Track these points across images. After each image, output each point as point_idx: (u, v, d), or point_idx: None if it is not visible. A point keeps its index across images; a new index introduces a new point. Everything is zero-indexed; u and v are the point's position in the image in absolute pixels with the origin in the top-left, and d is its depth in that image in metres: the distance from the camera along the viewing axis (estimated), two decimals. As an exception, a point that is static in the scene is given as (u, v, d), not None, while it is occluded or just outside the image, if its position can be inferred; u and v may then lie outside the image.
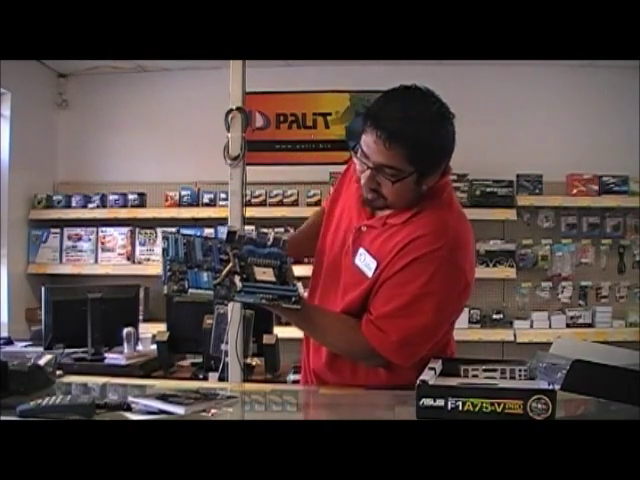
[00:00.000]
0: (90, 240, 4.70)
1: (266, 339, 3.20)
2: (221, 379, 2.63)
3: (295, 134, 4.71)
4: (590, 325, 4.35)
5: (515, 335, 4.29)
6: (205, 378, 3.05)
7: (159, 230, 4.63)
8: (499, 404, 1.25)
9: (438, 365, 1.53)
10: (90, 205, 4.68)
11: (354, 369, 1.72)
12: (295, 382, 2.98)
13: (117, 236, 4.69)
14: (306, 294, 1.72)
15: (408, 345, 1.59)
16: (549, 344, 1.48)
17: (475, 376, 1.56)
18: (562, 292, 4.44)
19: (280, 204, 4.50)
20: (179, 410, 1.37)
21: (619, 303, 4.43)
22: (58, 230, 4.71)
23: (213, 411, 1.41)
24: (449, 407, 1.27)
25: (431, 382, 1.35)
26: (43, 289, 3.31)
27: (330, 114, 4.62)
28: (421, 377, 1.35)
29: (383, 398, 1.66)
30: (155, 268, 4.52)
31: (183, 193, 4.63)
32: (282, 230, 4.06)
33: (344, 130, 4.55)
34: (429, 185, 1.62)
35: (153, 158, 4.81)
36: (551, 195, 4.38)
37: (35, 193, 4.71)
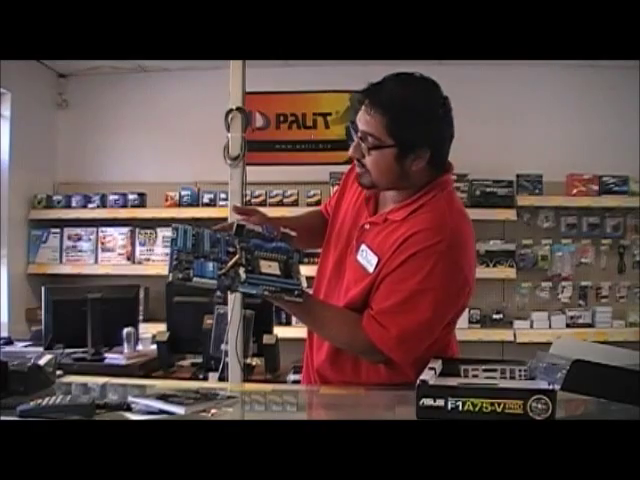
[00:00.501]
0: (90, 240, 4.70)
1: (266, 339, 3.20)
2: (221, 379, 2.63)
3: (295, 134, 4.70)
4: (590, 325, 4.34)
5: (515, 335, 4.29)
6: (205, 378, 3.05)
7: (159, 230, 4.63)
8: (499, 404, 1.25)
9: (438, 365, 1.53)
10: (90, 205, 4.68)
11: (356, 366, 1.72)
12: (295, 382, 2.99)
13: (117, 236, 4.69)
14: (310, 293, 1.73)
15: (407, 341, 1.60)
16: (549, 344, 1.48)
17: (475, 376, 1.56)
18: (562, 292, 4.44)
19: (280, 204, 4.50)
20: (179, 410, 1.37)
21: (619, 303, 4.43)
22: (58, 230, 4.71)
23: (213, 411, 1.41)
24: (449, 407, 1.27)
25: (431, 382, 1.35)
26: (43, 289, 3.31)
27: (330, 114, 4.62)
28: (421, 377, 1.35)
29: (383, 398, 1.66)
30: (155, 268, 4.53)
31: (183, 193, 4.63)
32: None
33: (344, 130, 4.55)
34: (413, 169, 1.63)
35: (153, 158, 4.80)
36: (551, 195, 4.38)
37: (35, 193, 4.71)
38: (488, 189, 4.36)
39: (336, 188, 1.99)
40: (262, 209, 1.91)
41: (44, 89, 4.85)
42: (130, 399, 1.44)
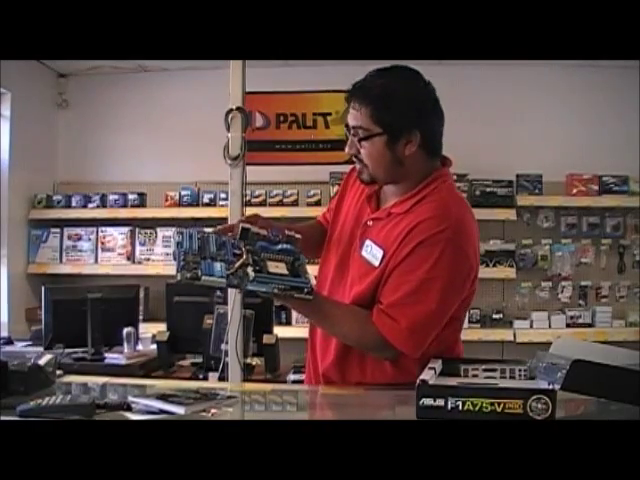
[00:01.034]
0: (90, 240, 4.70)
1: (266, 339, 3.20)
2: (221, 379, 2.63)
3: (295, 134, 4.70)
4: (590, 325, 4.34)
5: (515, 335, 4.29)
6: (205, 378, 3.05)
7: (159, 230, 4.63)
8: (499, 404, 1.25)
9: (438, 365, 1.53)
10: (90, 205, 4.68)
11: (361, 367, 1.72)
12: (295, 382, 2.99)
13: (117, 236, 4.68)
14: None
15: (417, 332, 1.61)
16: (549, 344, 1.48)
17: (475, 376, 1.56)
18: (562, 292, 4.44)
19: (280, 204, 4.50)
20: (179, 410, 1.37)
21: (619, 303, 4.43)
22: (58, 230, 4.71)
23: (213, 411, 1.41)
24: (449, 407, 1.27)
25: (431, 382, 1.35)
26: (43, 289, 3.31)
27: (330, 114, 4.62)
28: (421, 377, 1.35)
29: (383, 398, 1.66)
30: (155, 268, 4.53)
31: (183, 193, 4.63)
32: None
33: (344, 130, 4.55)
34: (407, 154, 1.65)
35: (153, 158, 4.80)
36: (551, 195, 4.38)
37: (35, 193, 4.71)
38: (488, 189, 4.36)
39: (336, 189, 2.00)
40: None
41: (44, 89, 4.85)
42: (130, 399, 1.43)
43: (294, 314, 4.18)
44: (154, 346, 3.38)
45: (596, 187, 4.35)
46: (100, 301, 3.22)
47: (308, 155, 4.67)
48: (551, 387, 1.30)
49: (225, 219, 2.63)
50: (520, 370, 1.55)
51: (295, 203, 4.51)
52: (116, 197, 4.65)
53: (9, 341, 3.64)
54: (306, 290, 1.56)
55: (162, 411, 1.38)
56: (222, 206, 4.31)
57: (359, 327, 1.66)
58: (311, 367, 1.85)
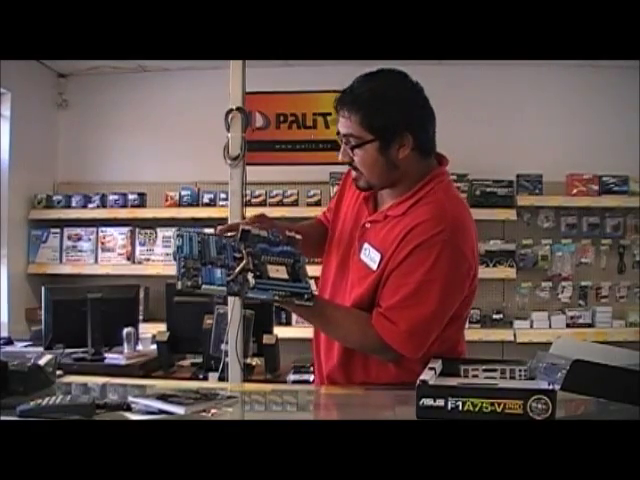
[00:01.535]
0: (90, 240, 4.70)
1: (266, 339, 3.19)
2: (221, 379, 2.63)
3: (295, 134, 4.70)
4: (590, 325, 4.34)
5: (515, 335, 4.29)
6: (205, 378, 3.04)
7: (159, 230, 4.63)
8: (499, 404, 1.25)
9: (438, 365, 1.53)
10: (90, 205, 4.68)
11: (365, 367, 1.72)
12: (295, 382, 2.99)
13: (117, 236, 4.68)
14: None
15: (417, 335, 1.61)
16: (549, 344, 1.48)
17: (475, 376, 1.56)
18: (562, 292, 4.44)
19: (280, 204, 4.50)
20: (179, 410, 1.37)
21: (619, 303, 4.43)
22: (58, 230, 4.70)
23: (213, 411, 1.41)
24: (449, 407, 1.27)
25: (431, 382, 1.35)
26: (43, 289, 3.31)
27: (330, 114, 4.60)
28: (421, 377, 1.35)
29: (383, 398, 1.66)
30: (155, 268, 4.53)
31: (183, 193, 4.63)
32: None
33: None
34: (400, 157, 1.64)
35: (153, 158, 4.80)
36: (551, 195, 4.38)
37: (35, 193, 4.71)
38: (488, 189, 4.36)
39: (336, 189, 2.00)
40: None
41: (44, 89, 4.85)
42: (130, 399, 1.43)
43: (294, 315, 4.18)
44: (154, 346, 3.38)
45: (596, 187, 4.35)
46: (100, 301, 3.22)
47: (308, 155, 4.67)
48: (551, 387, 1.30)
49: (225, 219, 2.63)
50: (520, 370, 1.55)
51: (295, 203, 4.51)
52: (116, 197, 4.65)
53: (9, 341, 3.64)
54: (306, 296, 1.55)
55: (162, 411, 1.37)
56: (222, 206, 4.31)
57: (359, 330, 1.66)
58: (316, 369, 1.86)
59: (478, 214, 4.08)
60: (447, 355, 1.66)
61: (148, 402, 1.41)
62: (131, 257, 4.66)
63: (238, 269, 1.51)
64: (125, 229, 4.67)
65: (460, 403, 1.26)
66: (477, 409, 1.25)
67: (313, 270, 1.87)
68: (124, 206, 4.65)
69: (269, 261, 1.59)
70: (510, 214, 4.31)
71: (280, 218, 4.28)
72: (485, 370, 1.56)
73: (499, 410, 1.25)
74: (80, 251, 4.70)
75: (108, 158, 4.88)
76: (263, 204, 4.48)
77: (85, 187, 4.82)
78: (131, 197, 4.65)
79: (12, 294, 4.46)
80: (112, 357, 3.24)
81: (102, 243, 4.69)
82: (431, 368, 1.48)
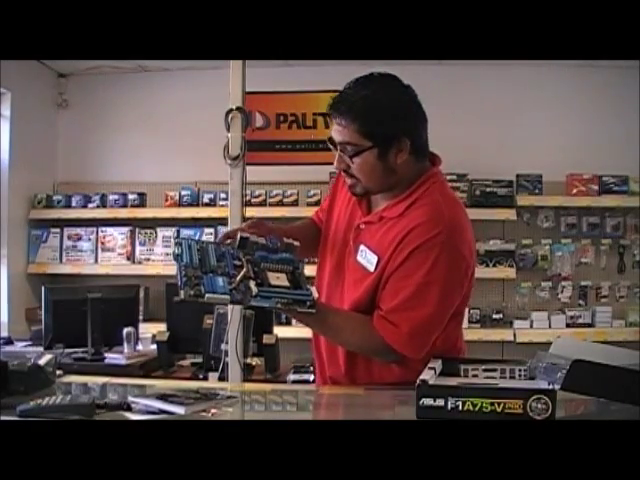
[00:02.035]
0: (90, 240, 4.70)
1: (266, 339, 3.20)
2: (221, 379, 2.64)
3: (295, 134, 4.70)
4: (590, 325, 4.34)
5: (515, 335, 4.29)
6: (205, 378, 3.05)
7: (159, 230, 4.63)
8: (499, 404, 1.25)
9: (438, 365, 1.53)
10: (90, 205, 4.68)
11: (369, 369, 1.73)
12: (295, 382, 2.99)
13: (117, 236, 4.68)
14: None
15: (418, 336, 1.61)
16: (549, 344, 1.48)
17: (475, 376, 1.56)
18: (562, 292, 4.44)
19: (280, 204, 4.50)
20: (179, 410, 1.37)
21: (619, 303, 4.43)
22: (58, 230, 4.71)
23: (213, 411, 1.41)
24: (449, 407, 1.27)
25: (431, 382, 1.35)
26: (43, 289, 3.31)
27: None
28: (421, 377, 1.35)
29: (383, 398, 1.66)
30: (155, 268, 4.53)
31: (183, 193, 4.63)
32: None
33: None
34: (398, 162, 1.64)
35: (153, 158, 4.80)
36: (551, 195, 4.38)
37: (35, 193, 4.71)
38: (488, 189, 4.36)
39: (328, 189, 1.99)
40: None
41: (44, 89, 4.85)
42: (130, 399, 1.44)
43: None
44: (154, 346, 3.38)
45: (596, 187, 4.35)
46: (100, 301, 3.22)
47: (308, 155, 4.67)
48: (551, 387, 1.30)
49: (225, 219, 2.64)
50: (520, 370, 1.55)
51: (295, 203, 4.50)
52: (116, 197, 4.65)
53: (9, 341, 3.64)
54: (308, 303, 1.55)
55: (162, 411, 1.38)
56: (222, 206, 4.31)
57: (361, 334, 1.66)
58: (318, 371, 1.86)
59: (478, 214, 4.14)
60: (448, 352, 1.67)
61: (148, 402, 1.41)
62: (131, 257, 4.66)
63: (239, 277, 1.51)
64: (125, 229, 4.67)
65: (460, 403, 1.26)
66: (477, 409, 1.25)
67: (307, 270, 1.87)
68: (124, 206, 4.65)
69: (269, 268, 1.58)
70: (510, 214, 4.31)
71: (280, 218, 4.32)
72: (485, 370, 1.56)
73: (499, 410, 1.25)
74: (80, 251, 4.70)
75: (108, 158, 4.88)
76: (263, 204, 4.48)
77: (85, 187, 4.82)
78: (131, 197, 4.65)
79: (12, 294, 4.46)
80: (112, 357, 3.24)
81: (102, 243, 4.69)
82: (431, 368, 1.48)
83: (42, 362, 1.58)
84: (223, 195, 4.34)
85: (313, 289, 1.59)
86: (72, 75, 4.96)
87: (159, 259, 4.59)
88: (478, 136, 4.39)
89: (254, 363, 3.29)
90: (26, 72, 4.43)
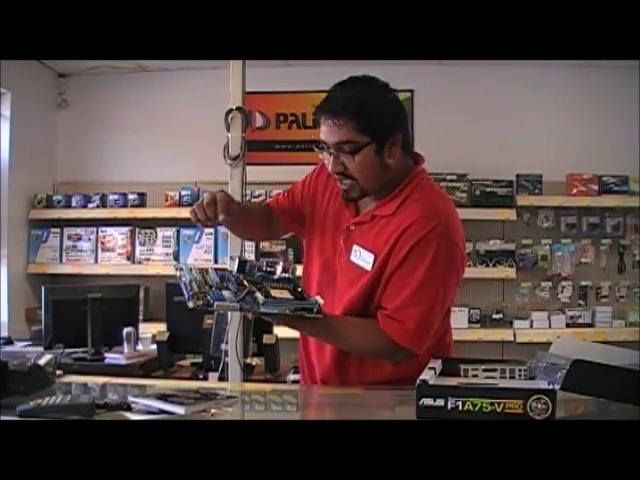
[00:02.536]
0: (90, 240, 4.69)
1: (266, 339, 3.19)
2: (221, 379, 2.64)
3: (295, 134, 4.70)
4: (590, 325, 4.34)
5: (515, 335, 4.29)
6: (205, 378, 3.04)
7: (159, 230, 4.63)
8: (499, 404, 1.25)
9: (438, 365, 1.53)
10: (90, 205, 4.67)
11: (360, 368, 1.73)
12: (295, 382, 2.99)
13: (117, 236, 4.68)
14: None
15: (423, 330, 1.64)
16: (549, 344, 1.49)
17: (475, 376, 1.56)
18: (562, 292, 4.43)
19: (280, 204, 4.50)
20: (179, 410, 1.37)
21: (619, 303, 4.42)
22: (58, 230, 4.70)
23: (213, 411, 1.41)
24: (449, 407, 1.27)
25: (431, 382, 1.35)
26: (43, 289, 3.31)
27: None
28: (421, 377, 1.35)
29: (383, 398, 1.66)
30: (155, 268, 4.53)
31: (183, 193, 4.62)
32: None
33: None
34: (393, 158, 1.66)
35: (153, 158, 4.80)
36: (551, 195, 4.37)
37: (35, 193, 4.71)
38: (488, 189, 4.35)
39: (301, 182, 1.98)
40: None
41: (44, 89, 4.85)
42: (130, 399, 1.44)
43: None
44: (154, 346, 3.38)
45: (596, 187, 4.34)
46: (100, 301, 3.21)
47: (308, 155, 4.64)
48: (551, 387, 1.30)
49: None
50: (520, 370, 1.55)
51: (295, 203, 4.50)
52: (116, 197, 4.65)
53: (9, 341, 3.63)
54: (315, 310, 1.56)
55: (162, 411, 1.38)
56: (222, 206, 4.30)
57: (369, 337, 1.67)
58: (307, 372, 1.85)
59: (478, 214, 4.15)
60: (436, 346, 1.69)
61: (148, 402, 1.41)
62: (131, 257, 4.66)
63: (244, 292, 1.52)
64: (125, 229, 4.66)
65: (460, 403, 1.26)
66: (477, 409, 1.26)
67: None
68: (124, 206, 4.64)
69: (271, 287, 1.58)
70: (510, 214, 4.30)
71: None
72: (485, 370, 1.57)
73: (499, 410, 1.25)
74: (80, 251, 4.69)
75: (108, 158, 4.88)
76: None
77: (85, 187, 4.82)
78: (131, 197, 4.64)
79: (12, 294, 4.45)
80: (112, 357, 3.23)
81: (102, 243, 4.68)
82: (431, 368, 1.48)
83: (42, 362, 1.58)
84: (223, 195, 4.34)
85: (318, 297, 1.59)
86: (72, 75, 4.95)
87: (159, 259, 4.59)
88: (478, 136, 4.38)
89: (254, 363, 3.29)
90: (26, 72, 4.42)
